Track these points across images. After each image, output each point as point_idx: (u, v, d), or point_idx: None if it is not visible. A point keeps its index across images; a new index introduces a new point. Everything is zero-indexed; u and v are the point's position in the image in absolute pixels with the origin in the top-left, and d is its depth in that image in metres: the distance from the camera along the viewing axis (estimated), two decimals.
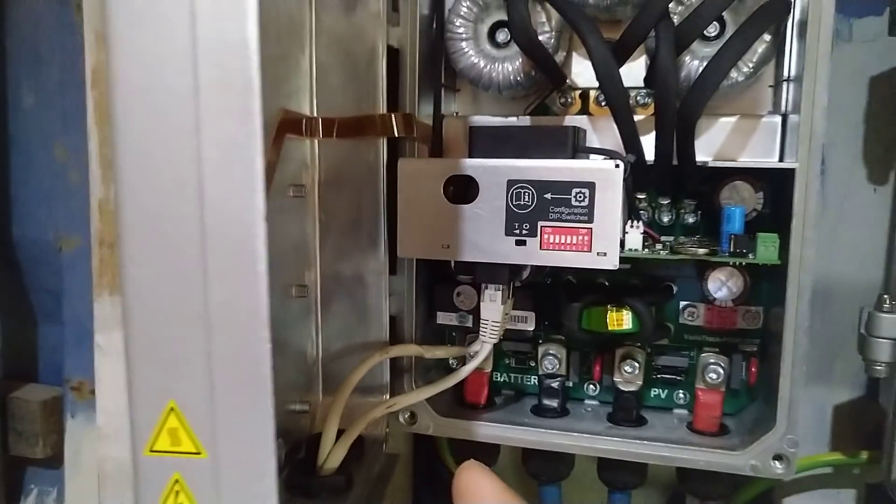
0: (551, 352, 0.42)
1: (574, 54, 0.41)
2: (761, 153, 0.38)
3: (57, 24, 0.55)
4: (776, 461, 0.37)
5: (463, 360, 0.41)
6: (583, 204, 0.34)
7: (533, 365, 0.44)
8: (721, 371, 0.40)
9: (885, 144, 0.41)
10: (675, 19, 0.35)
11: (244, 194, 0.21)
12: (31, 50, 0.56)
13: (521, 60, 0.38)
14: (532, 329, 0.41)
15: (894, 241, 0.40)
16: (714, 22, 0.36)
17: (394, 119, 0.34)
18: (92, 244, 0.31)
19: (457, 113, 0.43)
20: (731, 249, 0.35)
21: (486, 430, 0.41)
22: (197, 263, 0.22)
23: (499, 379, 0.45)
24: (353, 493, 0.35)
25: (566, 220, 0.34)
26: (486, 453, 0.44)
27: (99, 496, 0.32)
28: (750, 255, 0.35)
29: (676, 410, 0.43)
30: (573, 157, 0.35)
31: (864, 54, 0.40)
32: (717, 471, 0.38)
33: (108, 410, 0.32)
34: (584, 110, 0.41)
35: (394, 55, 0.39)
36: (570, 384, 0.44)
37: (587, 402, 0.44)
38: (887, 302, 0.34)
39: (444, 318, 0.43)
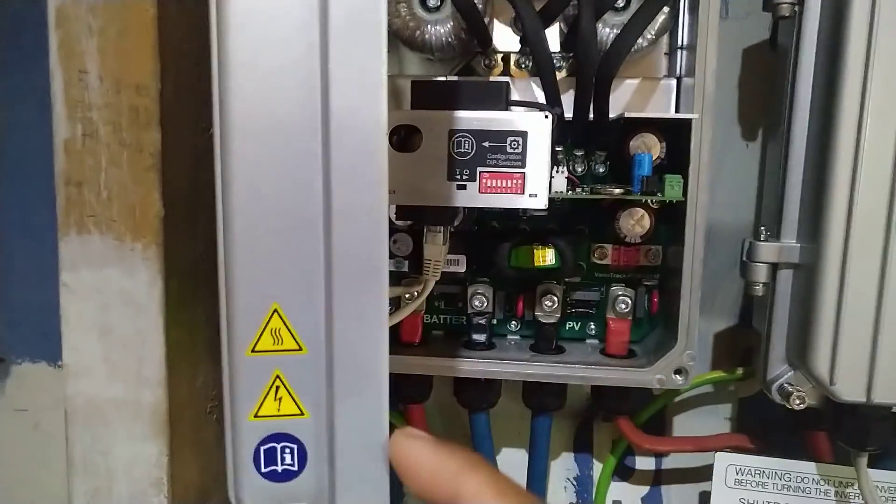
0: (479, 291, 0.47)
1: (496, 21, 0.45)
2: (660, 110, 0.44)
3: None
4: (677, 374, 0.43)
5: (398, 302, 0.44)
6: (517, 151, 0.38)
7: (461, 306, 0.48)
8: (629, 301, 0.45)
9: (755, 107, 0.48)
10: None
11: (370, 106, 0.23)
12: None
13: (451, 24, 0.42)
14: (463, 271, 0.46)
15: (762, 188, 0.47)
16: None
17: None
18: (57, 185, 0.31)
19: None
20: (644, 189, 0.41)
21: (424, 363, 0.45)
22: (317, 171, 0.24)
23: (429, 321, 0.49)
24: None
25: (502, 166, 0.38)
26: (419, 389, 0.48)
27: (66, 431, 0.32)
28: (658, 194, 0.41)
29: (588, 341, 0.48)
30: (506, 109, 0.39)
31: (738, 29, 0.47)
32: (627, 387, 0.44)
33: (77, 348, 0.32)
34: (506, 72, 0.45)
35: None
36: (496, 321, 0.48)
37: (510, 336, 0.49)
38: (763, 233, 0.41)
39: None
